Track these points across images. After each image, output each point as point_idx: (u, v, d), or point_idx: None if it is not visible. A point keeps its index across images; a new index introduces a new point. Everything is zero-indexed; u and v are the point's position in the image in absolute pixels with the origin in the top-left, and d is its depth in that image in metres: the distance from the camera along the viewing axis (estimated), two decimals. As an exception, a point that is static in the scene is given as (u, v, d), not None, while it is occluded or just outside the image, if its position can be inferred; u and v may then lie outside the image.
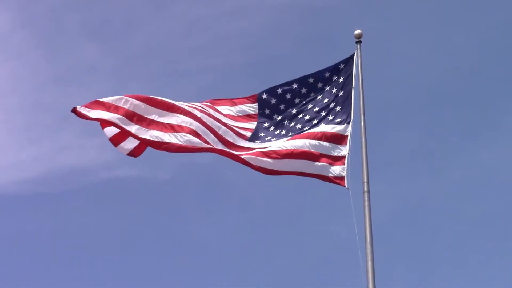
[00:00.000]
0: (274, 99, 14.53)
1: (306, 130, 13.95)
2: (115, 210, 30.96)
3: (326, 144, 13.53)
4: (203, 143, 13.46)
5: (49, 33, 34.68)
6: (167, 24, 34.77)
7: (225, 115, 14.29)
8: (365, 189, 12.57)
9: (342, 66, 14.34)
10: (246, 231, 29.75)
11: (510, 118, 30.98)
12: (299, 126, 14.17)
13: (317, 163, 13.37)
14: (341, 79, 14.22)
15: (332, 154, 13.39)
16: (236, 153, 13.49)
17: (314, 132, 13.75)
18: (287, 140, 13.74)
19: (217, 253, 29.36)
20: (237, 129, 14.12)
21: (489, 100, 31.91)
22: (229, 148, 13.62)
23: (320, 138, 13.58)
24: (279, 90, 14.56)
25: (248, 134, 14.17)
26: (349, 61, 14.27)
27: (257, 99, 14.57)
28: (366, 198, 12.46)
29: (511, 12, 32.44)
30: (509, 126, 30.85)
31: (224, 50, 33.65)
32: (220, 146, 13.59)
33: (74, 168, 31.63)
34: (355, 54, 14.21)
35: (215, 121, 13.90)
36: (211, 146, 13.48)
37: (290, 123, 14.33)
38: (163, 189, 31.49)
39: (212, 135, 13.67)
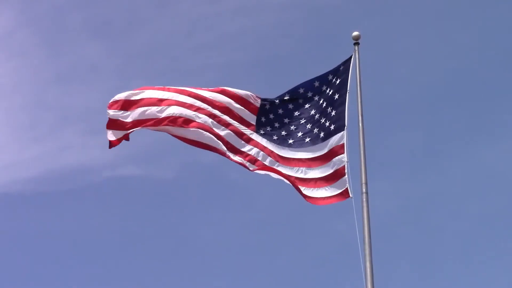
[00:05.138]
0: (274, 108, 14.46)
1: (306, 141, 13.96)
2: (118, 209, 31.02)
3: (325, 167, 13.55)
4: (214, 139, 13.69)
5: (51, 32, 34.79)
6: (170, 22, 34.85)
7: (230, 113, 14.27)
8: (363, 190, 12.55)
9: (342, 68, 14.24)
10: (249, 230, 29.80)
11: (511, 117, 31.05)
12: (300, 134, 14.13)
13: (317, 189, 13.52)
14: (338, 81, 14.13)
15: (330, 172, 13.38)
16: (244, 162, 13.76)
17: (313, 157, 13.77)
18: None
19: (219, 252, 29.40)
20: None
21: (490, 100, 31.95)
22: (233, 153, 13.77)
23: (320, 162, 13.64)
24: (278, 100, 14.50)
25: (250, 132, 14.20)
26: (347, 63, 14.19)
27: (258, 109, 14.44)
28: (364, 199, 12.46)
29: (511, 12, 32.49)
30: (510, 125, 30.90)
31: (227, 48, 33.73)
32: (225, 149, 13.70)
33: (76, 167, 31.70)
34: (353, 56, 14.12)
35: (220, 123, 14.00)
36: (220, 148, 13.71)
37: (290, 126, 14.29)
38: (166, 189, 31.56)
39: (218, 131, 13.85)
